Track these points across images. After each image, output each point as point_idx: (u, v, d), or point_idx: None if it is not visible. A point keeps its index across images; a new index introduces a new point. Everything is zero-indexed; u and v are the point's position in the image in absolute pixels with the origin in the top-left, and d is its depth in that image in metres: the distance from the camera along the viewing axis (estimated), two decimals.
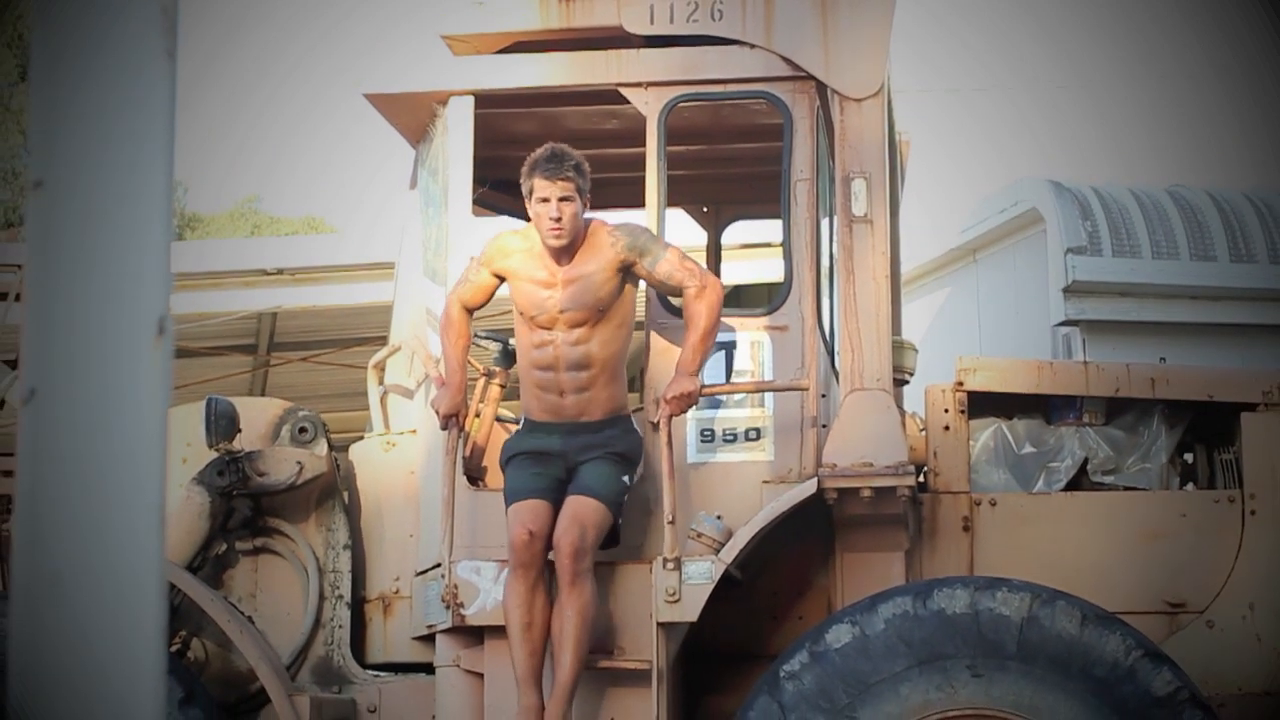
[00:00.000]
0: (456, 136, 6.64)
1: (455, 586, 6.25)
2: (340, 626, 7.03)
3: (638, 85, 6.55)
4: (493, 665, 6.30)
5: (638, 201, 6.64)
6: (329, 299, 12.91)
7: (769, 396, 6.41)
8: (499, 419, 6.91)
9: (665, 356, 6.37)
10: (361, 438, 7.45)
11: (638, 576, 6.25)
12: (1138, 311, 11.42)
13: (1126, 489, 6.75)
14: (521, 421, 6.42)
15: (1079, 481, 6.80)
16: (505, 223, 7.61)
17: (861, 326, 6.29)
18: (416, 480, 6.93)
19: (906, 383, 7.21)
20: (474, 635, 6.40)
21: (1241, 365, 9.27)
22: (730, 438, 6.43)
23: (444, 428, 6.30)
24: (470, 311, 6.39)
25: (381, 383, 7.38)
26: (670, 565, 6.05)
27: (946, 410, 6.76)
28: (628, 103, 6.61)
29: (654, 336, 6.47)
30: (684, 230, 8.72)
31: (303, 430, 7.07)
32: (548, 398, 6.25)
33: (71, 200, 1.74)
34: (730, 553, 6.11)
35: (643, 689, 6.10)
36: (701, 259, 8.93)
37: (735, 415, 6.44)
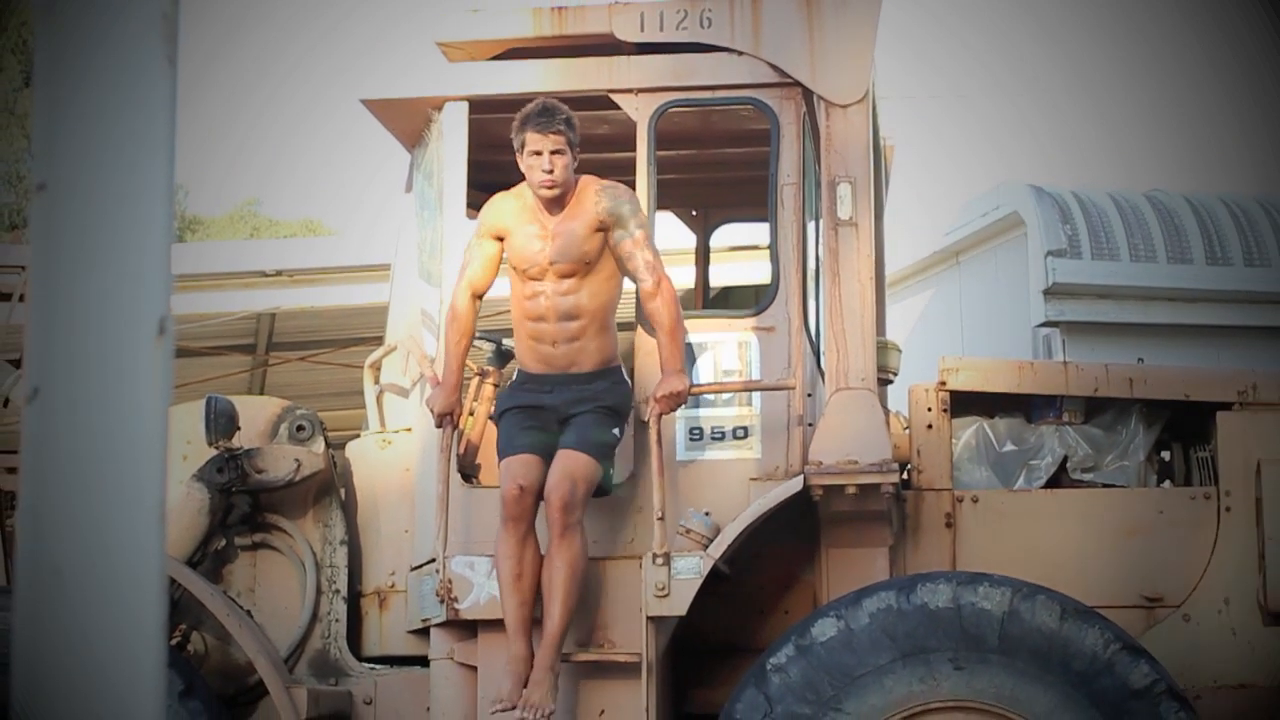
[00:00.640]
0: (451, 141, 6.64)
1: (449, 581, 6.25)
2: (337, 620, 7.02)
3: (628, 91, 6.56)
4: (486, 658, 6.30)
5: None
6: (326, 300, 12.91)
7: (756, 395, 6.42)
8: (491, 418, 6.90)
9: (655, 356, 6.37)
10: (358, 436, 7.44)
11: (628, 571, 6.25)
12: (1116, 313, 11.44)
13: (1105, 486, 6.76)
14: (515, 374, 6.42)
15: (1059, 479, 6.81)
16: None
17: (847, 327, 6.30)
18: (412, 477, 6.92)
19: (890, 382, 7.21)
20: (468, 629, 6.40)
21: (1217, 366, 9.29)
22: (718, 436, 6.43)
23: (439, 426, 6.30)
24: (479, 299, 6.35)
25: (377, 382, 7.38)
26: (660, 560, 6.05)
27: (929, 409, 6.76)
28: (618, 108, 6.62)
29: (642, 336, 6.47)
30: (673, 233, 8.73)
31: (300, 428, 7.07)
32: (540, 348, 6.25)
33: (74, 203, 1.74)
34: (718, 548, 6.11)
35: (633, 681, 6.11)
36: (690, 261, 8.95)
37: (723, 414, 6.44)
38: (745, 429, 6.42)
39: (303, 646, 7.00)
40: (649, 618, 6.08)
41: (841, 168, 6.39)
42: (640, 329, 6.47)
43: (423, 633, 6.69)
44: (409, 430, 7.03)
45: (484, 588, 6.24)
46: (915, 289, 13.24)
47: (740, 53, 6.49)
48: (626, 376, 6.34)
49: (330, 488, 7.11)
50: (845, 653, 5.81)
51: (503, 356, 6.86)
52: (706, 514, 6.20)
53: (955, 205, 12.96)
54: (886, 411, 6.65)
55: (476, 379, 6.81)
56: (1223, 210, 12.01)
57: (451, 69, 6.74)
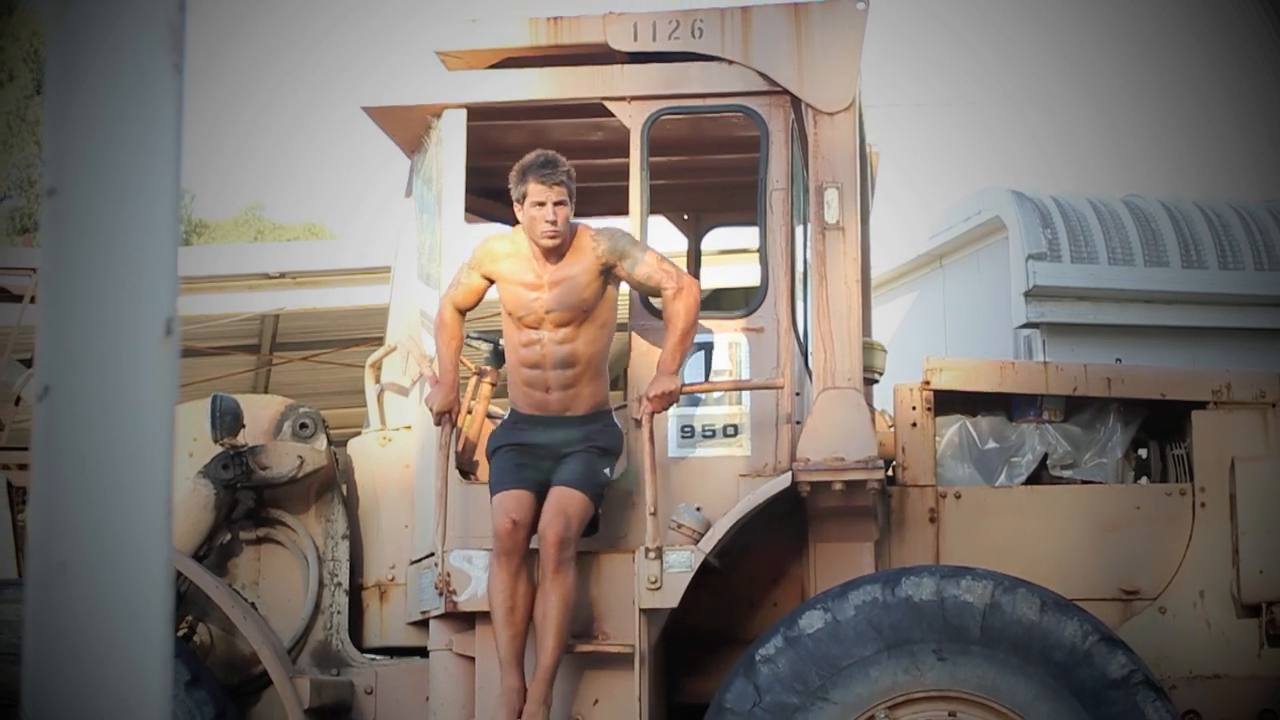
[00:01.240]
0: (450, 147, 6.63)
1: (448, 574, 6.25)
2: (339, 612, 7.02)
3: (622, 99, 6.56)
4: (483, 649, 6.30)
5: (621, 209, 6.64)
6: (328, 301, 12.89)
7: (746, 394, 6.42)
8: (489, 415, 6.90)
9: (648, 357, 6.37)
10: (359, 433, 7.44)
11: (621, 565, 6.25)
12: (1095, 315, 11.44)
13: (1084, 483, 6.77)
14: (509, 413, 6.42)
15: (1039, 475, 6.81)
16: (496, 229, 7.60)
17: (834, 328, 6.30)
18: (411, 473, 6.92)
19: (876, 382, 7.22)
20: (465, 621, 6.40)
21: (1192, 366, 9.29)
22: (709, 434, 6.43)
23: (437, 424, 6.30)
24: (462, 313, 6.39)
25: (378, 381, 7.38)
26: (652, 554, 6.05)
27: (914, 408, 6.76)
28: (612, 115, 6.62)
29: (636, 338, 6.47)
30: (665, 237, 8.72)
31: (303, 426, 7.06)
32: (534, 394, 6.25)
33: (83, 207, 1.74)
34: (709, 542, 6.11)
35: (626, 671, 6.11)
36: (682, 264, 8.94)
37: (714, 412, 6.44)
38: (735, 427, 6.42)
39: (305, 638, 7.00)
40: (642, 610, 6.08)
41: (829, 173, 6.39)
42: (634, 332, 6.47)
43: (422, 624, 6.69)
44: (408, 428, 7.03)
45: (481, 581, 6.24)
46: (900, 291, 13.24)
47: (731, 62, 6.49)
48: (618, 421, 6.34)
49: (332, 484, 7.11)
50: (832, 644, 5.81)
51: (499, 356, 6.85)
52: (698, 509, 6.20)
53: (939, 210, 12.96)
54: (872, 410, 6.65)
55: (474, 378, 6.81)
56: (1198, 215, 12.02)
57: (450, 77, 6.74)
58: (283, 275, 12.91)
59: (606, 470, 6.20)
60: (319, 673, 6.90)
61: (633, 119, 6.54)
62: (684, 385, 6.17)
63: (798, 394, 6.41)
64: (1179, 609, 6.52)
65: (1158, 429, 6.89)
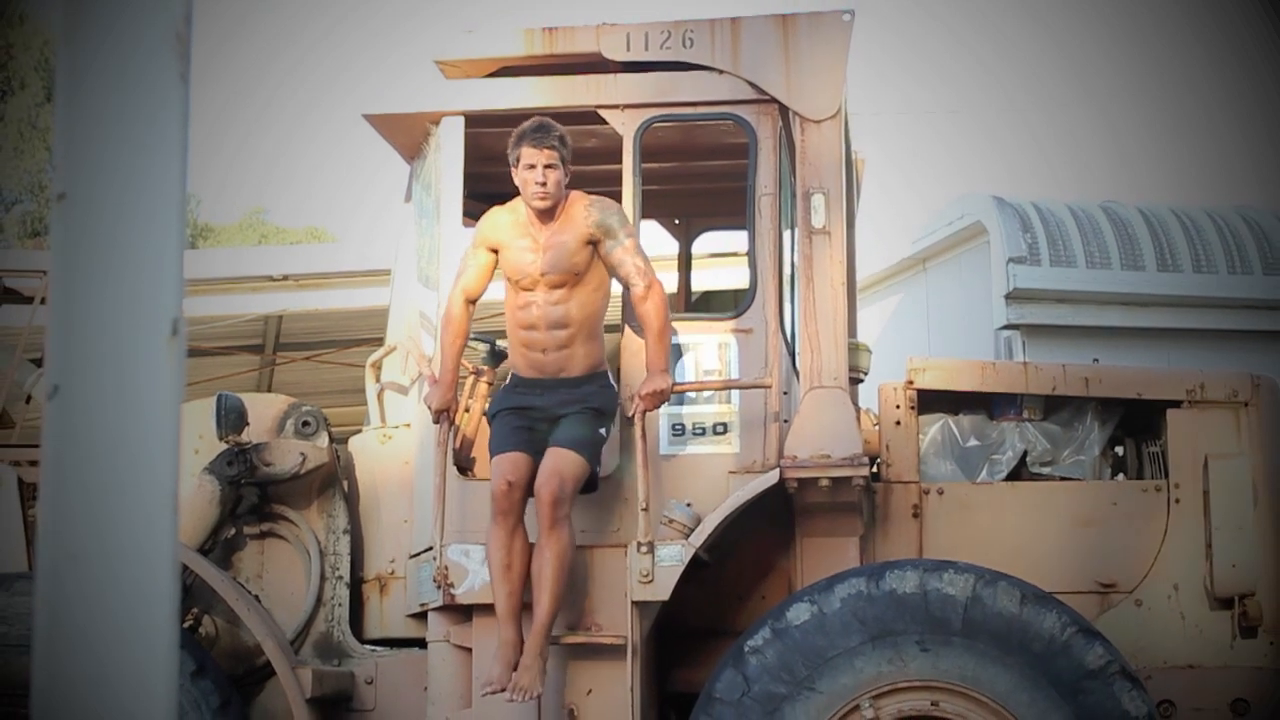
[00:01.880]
0: (448, 154, 6.63)
1: (446, 568, 6.25)
2: (340, 605, 7.02)
3: (615, 107, 6.56)
4: (480, 640, 6.30)
5: None
6: (330, 303, 12.88)
7: (735, 394, 6.42)
8: (486, 414, 6.90)
9: (640, 356, 6.37)
10: (360, 431, 7.43)
11: (614, 559, 6.25)
12: (1073, 316, 11.45)
13: (1062, 479, 6.77)
14: (509, 378, 6.42)
15: (1019, 472, 6.81)
16: None
17: (820, 329, 6.30)
18: (410, 470, 6.92)
19: (861, 381, 7.22)
20: (463, 613, 6.40)
21: (1167, 366, 9.30)
22: (699, 431, 6.43)
23: (436, 422, 6.30)
24: (472, 304, 6.36)
25: (378, 380, 7.37)
26: (644, 549, 6.05)
27: (898, 406, 6.77)
28: (606, 123, 6.62)
29: (629, 338, 6.47)
30: (657, 240, 8.72)
31: (306, 424, 7.06)
32: (532, 355, 6.25)
33: (92, 212, 1.74)
34: (699, 537, 6.11)
35: (618, 662, 6.11)
36: (673, 267, 8.94)
37: (704, 411, 6.44)
38: (725, 425, 6.42)
39: (308, 629, 7.00)
40: (634, 602, 6.08)
41: (815, 179, 6.39)
42: (627, 331, 6.47)
43: (421, 616, 6.69)
44: (408, 426, 7.02)
45: (478, 574, 6.24)
46: (885, 293, 13.25)
47: (720, 71, 6.49)
48: (613, 380, 6.34)
49: (334, 480, 7.10)
50: (818, 635, 5.82)
51: (496, 356, 6.86)
52: (688, 505, 6.20)
53: (922, 215, 12.97)
54: (857, 409, 6.65)
55: (471, 377, 6.81)
56: (1173, 220, 12.03)
57: (449, 86, 6.74)
58: (285, 278, 12.90)
59: (602, 430, 6.20)
60: (321, 663, 6.89)
61: (626, 126, 6.54)
62: (675, 384, 6.18)
63: (785, 393, 6.42)
64: (1154, 602, 6.53)
65: (1134, 427, 6.90)
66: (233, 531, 7.04)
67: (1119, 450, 6.94)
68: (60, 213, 1.74)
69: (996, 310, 11.44)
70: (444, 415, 6.28)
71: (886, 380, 6.89)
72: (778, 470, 6.19)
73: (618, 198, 6.51)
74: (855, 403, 6.72)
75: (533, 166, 6.09)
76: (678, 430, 6.43)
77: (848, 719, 5.80)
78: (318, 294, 12.90)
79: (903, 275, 13.04)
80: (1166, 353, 11.22)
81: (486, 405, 6.85)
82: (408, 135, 6.94)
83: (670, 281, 8.90)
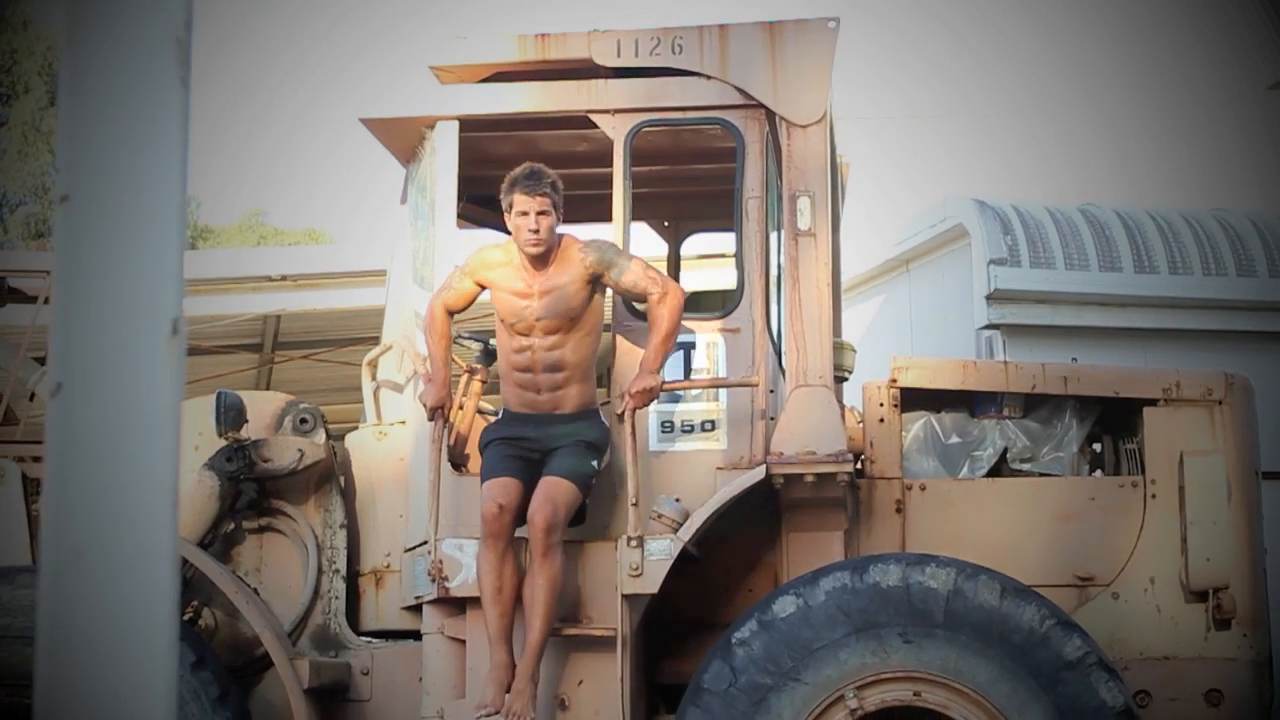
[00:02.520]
0: (443, 157, 6.63)
1: (440, 562, 6.25)
2: (337, 598, 7.01)
3: (606, 112, 6.56)
4: (474, 632, 6.30)
5: (605, 216, 6.64)
6: (328, 303, 12.87)
7: (723, 392, 6.42)
8: (480, 411, 6.90)
9: (630, 356, 6.37)
10: (356, 428, 7.43)
11: (604, 553, 6.25)
12: (1052, 317, 11.46)
13: (1042, 475, 6.78)
14: (501, 413, 6.43)
15: (999, 469, 6.82)
16: (487, 235, 7.60)
17: (806, 329, 6.31)
18: (406, 466, 6.91)
19: (846, 380, 7.23)
20: (457, 605, 6.39)
21: (1144, 365, 9.31)
22: (688, 429, 6.44)
23: (431, 419, 6.30)
24: (451, 314, 6.39)
25: (374, 378, 7.37)
26: (634, 543, 6.05)
27: (881, 404, 6.77)
28: (596, 127, 6.62)
29: (619, 338, 6.47)
30: (646, 242, 8.72)
31: (303, 421, 7.05)
32: (526, 395, 6.26)
33: (94, 213, 1.74)
34: (688, 532, 6.11)
35: (608, 654, 6.11)
36: (663, 268, 8.94)
37: (692, 408, 6.45)
38: (712, 422, 6.42)
39: (305, 622, 6.99)
40: (624, 595, 6.08)
41: (801, 183, 6.40)
42: (618, 333, 6.47)
43: (416, 609, 6.68)
44: (403, 423, 7.02)
45: (471, 568, 6.24)
46: (869, 294, 13.25)
47: (709, 77, 6.49)
48: (604, 418, 6.34)
49: (331, 476, 7.10)
50: (803, 628, 5.82)
51: (489, 355, 6.85)
52: (677, 500, 6.20)
53: (905, 218, 12.97)
54: (842, 407, 6.66)
55: (465, 375, 6.80)
56: (1149, 222, 12.05)
57: (443, 91, 6.73)
58: (284, 278, 12.88)
59: (594, 463, 6.21)
60: (318, 655, 6.89)
61: (616, 131, 6.54)
62: (664, 382, 6.18)
63: (772, 391, 6.42)
64: (1131, 595, 6.54)
65: (1111, 425, 6.91)
66: (232, 526, 7.04)
67: (1097, 447, 6.95)
68: (63, 215, 1.74)
69: (978, 310, 11.44)
70: (438, 413, 6.28)
71: (871, 379, 6.90)
72: (764, 466, 6.20)
73: (608, 200, 6.51)
74: (840, 401, 6.72)
75: (525, 213, 6.09)
76: (667, 427, 6.43)
77: (832, 709, 5.80)
78: (315, 294, 12.89)
79: (887, 276, 13.04)
80: (1143, 352, 11.24)
81: (479, 402, 6.86)
82: (403, 139, 6.93)
83: None
